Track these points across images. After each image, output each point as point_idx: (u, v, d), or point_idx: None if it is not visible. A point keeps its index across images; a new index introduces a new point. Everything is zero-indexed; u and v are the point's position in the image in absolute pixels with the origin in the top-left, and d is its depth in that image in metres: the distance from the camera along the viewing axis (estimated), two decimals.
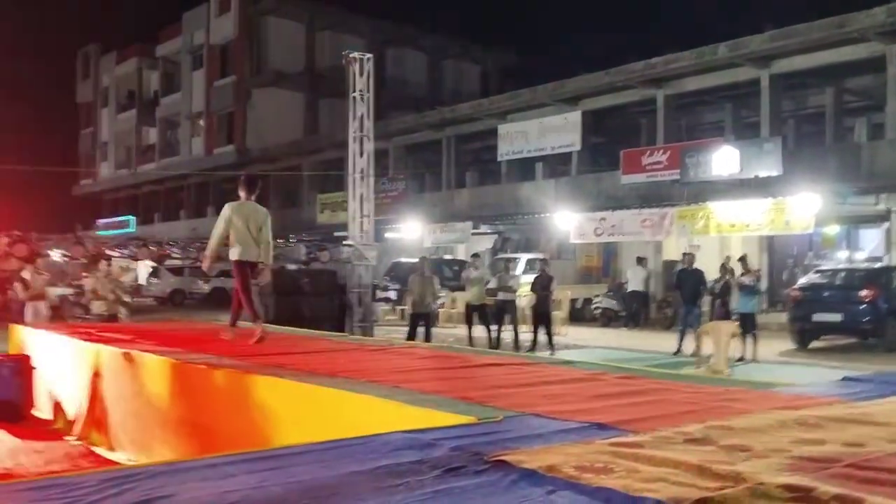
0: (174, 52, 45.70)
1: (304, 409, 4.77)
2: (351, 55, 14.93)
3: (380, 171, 22.72)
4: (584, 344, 16.19)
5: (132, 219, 45.28)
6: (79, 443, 7.34)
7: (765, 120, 20.98)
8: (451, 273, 23.49)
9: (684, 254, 15.86)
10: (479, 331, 14.48)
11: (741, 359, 12.94)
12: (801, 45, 19.64)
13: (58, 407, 8.28)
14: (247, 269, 7.81)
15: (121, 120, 50.94)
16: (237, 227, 7.64)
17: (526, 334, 15.08)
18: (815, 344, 15.67)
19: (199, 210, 40.75)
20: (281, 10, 40.17)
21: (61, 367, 8.23)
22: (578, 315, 21.53)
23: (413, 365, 6.15)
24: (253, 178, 8.33)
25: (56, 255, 16.65)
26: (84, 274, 18.16)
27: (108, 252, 12.79)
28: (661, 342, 15.63)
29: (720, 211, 18.83)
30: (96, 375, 7.31)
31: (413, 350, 7.87)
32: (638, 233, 20.66)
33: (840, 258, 21.03)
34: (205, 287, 30.33)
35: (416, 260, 17.19)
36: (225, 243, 7.86)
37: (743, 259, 15.09)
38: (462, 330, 15.76)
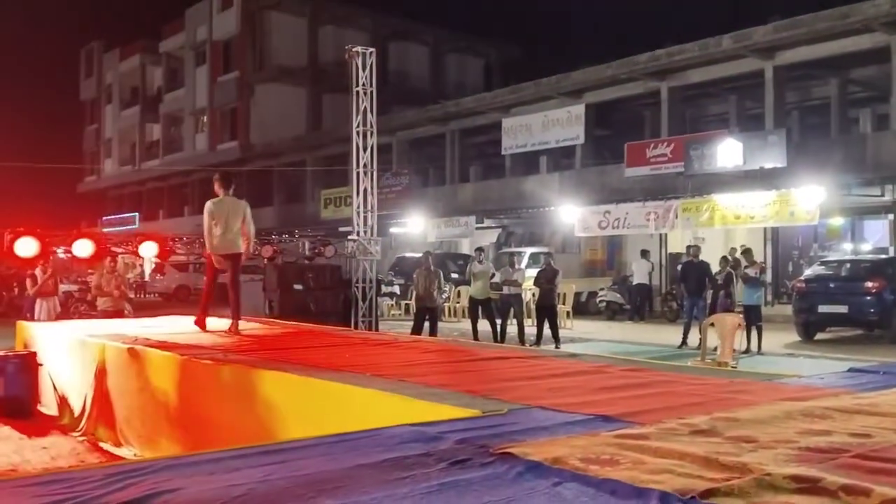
0: (177, 48, 45.67)
1: (310, 404, 4.77)
2: (353, 49, 14.88)
3: (383, 166, 22.69)
4: (589, 337, 16.19)
5: (136, 215, 45.35)
6: (85, 439, 7.36)
7: (769, 111, 20.92)
8: (455, 267, 23.48)
9: (689, 246, 15.82)
10: (483, 325, 14.47)
11: (746, 351, 12.92)
12: (805, 36, 19.56)
13: (64, 403, 8.30)
14: (222, 262, 8.33)
15: (124, 116, 50.95)
16: (218, 223, 8.16)
17: (531, 328, 15.07)
18: (820, 336, 15.63)
19: (203, 206, 40.44)
20: (283, 4, 40.10)
21: (67, 363, 8.24)
22: (583, 308, 21.52)
23: (418, 359, 6.15)
24: (228, 175, 8.82)
25: (60, 251, 16.67)
26: (89, 270, 18.21)
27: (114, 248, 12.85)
28: (666, 335, 15.62)
29: (725, 203, 18.79)
30: (102, 371, 7.33)
31: (418, 344, 7.88)
32: (642, 226, 20.62)
33: (845, 249, 20.97)
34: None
35: (420, 255, 17.19)
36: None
37: (747, 251, 15.05)
38: (467, 324, 15.76)
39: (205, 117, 43.54)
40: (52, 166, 37.54)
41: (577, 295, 20.93)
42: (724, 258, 15.17)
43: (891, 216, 20.34)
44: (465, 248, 27.95)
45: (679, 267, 16.61)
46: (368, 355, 6.38)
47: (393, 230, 28.85)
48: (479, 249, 15.69)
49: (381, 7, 40.98)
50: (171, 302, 29.52)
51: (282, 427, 4.83)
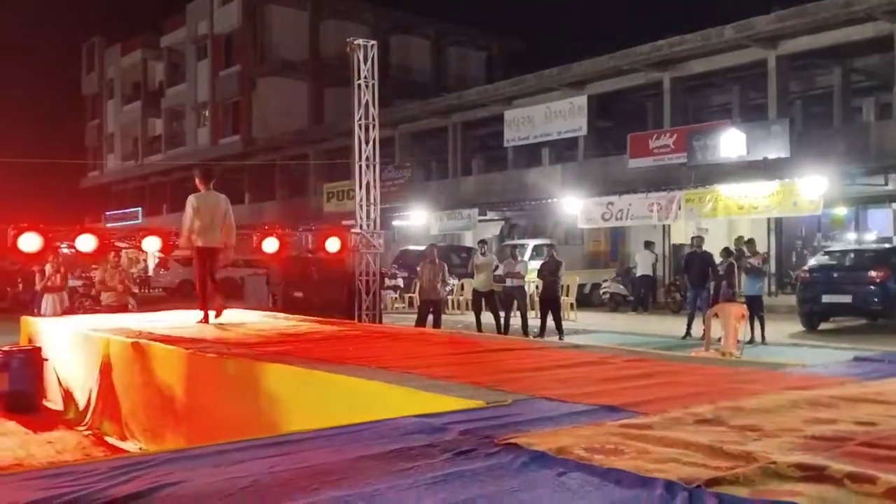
0: (178, 43, 45.62)
1: (315, 397, 4.77)
2: (355, 42, 14.84)
3: (386, 160, 22.67)
4: (593, 329, 16.17)
5: (139, 210, 45.39)
6: (90, 433, 7.37)
7: (772, 101, 20.86)
8: (458, 260, 23.48)
9: (692, 237, 15.79)
10: (487, 317, 14.46)
11: (750, 341, 12.90)
12: (808, 26, 19.49)
13: (69, 397, 8.32)
14: (205, 255, 8.57)
15: (126, 111, 50.96)
16: (201, 217, 8.37)
17: (534, 320, 15.06)
18: (824, 326, 15.59)
19: None
20: None
21: (72, 358, 8.26)
22: (586, 300, 21.49)
23: (422, 351, 6.15)
24: (208, 170, 9.26)
25: (64, 247, 16.70)
26: (93, 266, 18.23)
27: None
28: (670, 326, 15.60)
29: (728, 194, 18.75)
30: (107, 366, 7.34)
31: (422, 336, 7.88)
32: (645, 217, 20.59)
33: (849, 239, 20.92)
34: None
35: (423, 248, 17.17)
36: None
37: (750, 241, 15.03)
38: (470, 317, 15.75)
39: (207, 111, 43.52)
40: (54, 161, 37.56)
41: (581, 287, 20.89)
42: (725, 249, 15.14)
43: (894, 205, 20.29)
44: (468, 240, 27.95)
45: (682, 257, 16.57)
46: (372, 348, 6.38)
47: (396, 223, 28.84)
48: (483, 242, 15.68)
49: (383, 0, 40.92)
50: (174, 296, 29.52)
51: (286, 420, 4.84)
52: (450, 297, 20.56)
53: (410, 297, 20.88)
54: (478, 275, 14.68)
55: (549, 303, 14.59)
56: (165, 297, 28.86)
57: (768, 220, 20.37)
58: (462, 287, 20.62)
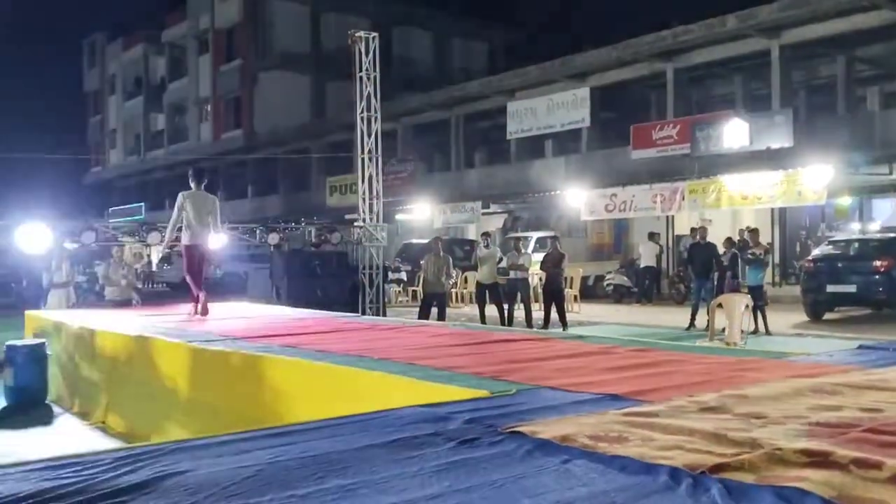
0: (180, 37, 45.57)
1: (320, 389, 4.78)
2: (356, 34, 14.83)
3: (388, 153, 22.65)
4: (597, 320, 16.16)
5: (143, 205, 45.41)
6: (95, 427, 7.39)
7: (775, 91, 20.78)
8: (461, 253, 23.47)
9: (695, 228, 15.76)
10: (491, 310, 14.46)
11: (754, 331, 12.89)
12: (811, 14, 19.40)
13: (73, 392, 8.34)
14: (195, 252, 8.84)
15: (129, 107, 50.94)
16: (189, 215, 8.64)
17: (538, 312, 15.06)
18: (828, 316, 15.57)
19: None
20: None
21: (76, 352, 8.27)
22: (590, 292, 21.49)
23: (426, 342, 6.15)
24: (200, 170, 9.51)
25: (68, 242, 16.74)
26: (96, 261, 18.27)
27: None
28: (674, 317, 15.58)
29: (732, 184, 18.70)
30: (112, 360, 7.35)
31: (426, 328, 7.87)
32: (649, 208, 20.56)
33: (853, 229, 20.87)
34: (217, 272, 30.41)
35: (426, 241, 17.17)
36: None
37: (754, 232, 14.99)
38: (474, 309, 15.75)
39: (209, 106, 43.50)
40: (57, 157, 37.60)
41: (585, 278, 20.90)
42: (728, 239, 15.11)
43: None
44: (472, 233, 27.92)
45: (686, 248, 16.54)
46: (377, 340, 6.38)
47: (399, 217, 28.82)
48: (486, 234, 15.67)
49: None
50: (178, 291, 29.55)
51: (291, 412, 4.84)
52: (453, 290, 20.56)
53: (414, 291, 20.88)
54: (481, 267, 14.67)
55: (553, 295, 14.58)
56: (169, 291, 28.90)
57: (772, 210, 20.33)
58: (465, 280, 20.63)
